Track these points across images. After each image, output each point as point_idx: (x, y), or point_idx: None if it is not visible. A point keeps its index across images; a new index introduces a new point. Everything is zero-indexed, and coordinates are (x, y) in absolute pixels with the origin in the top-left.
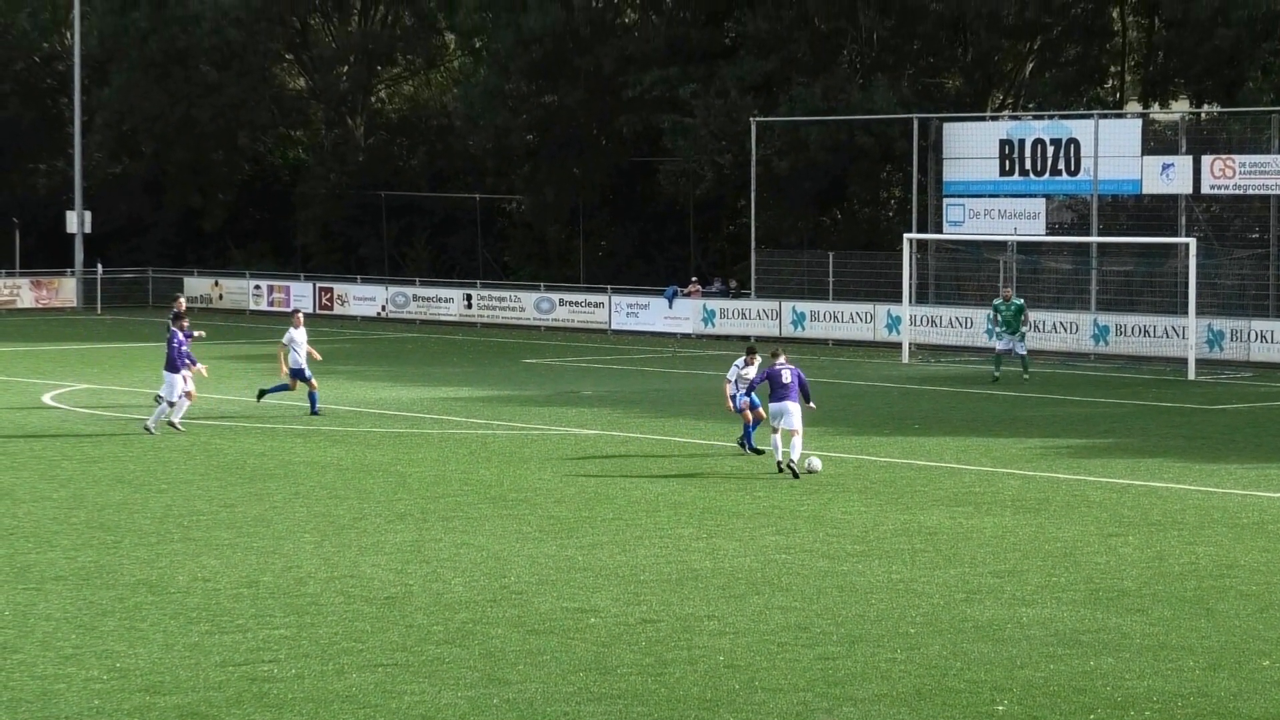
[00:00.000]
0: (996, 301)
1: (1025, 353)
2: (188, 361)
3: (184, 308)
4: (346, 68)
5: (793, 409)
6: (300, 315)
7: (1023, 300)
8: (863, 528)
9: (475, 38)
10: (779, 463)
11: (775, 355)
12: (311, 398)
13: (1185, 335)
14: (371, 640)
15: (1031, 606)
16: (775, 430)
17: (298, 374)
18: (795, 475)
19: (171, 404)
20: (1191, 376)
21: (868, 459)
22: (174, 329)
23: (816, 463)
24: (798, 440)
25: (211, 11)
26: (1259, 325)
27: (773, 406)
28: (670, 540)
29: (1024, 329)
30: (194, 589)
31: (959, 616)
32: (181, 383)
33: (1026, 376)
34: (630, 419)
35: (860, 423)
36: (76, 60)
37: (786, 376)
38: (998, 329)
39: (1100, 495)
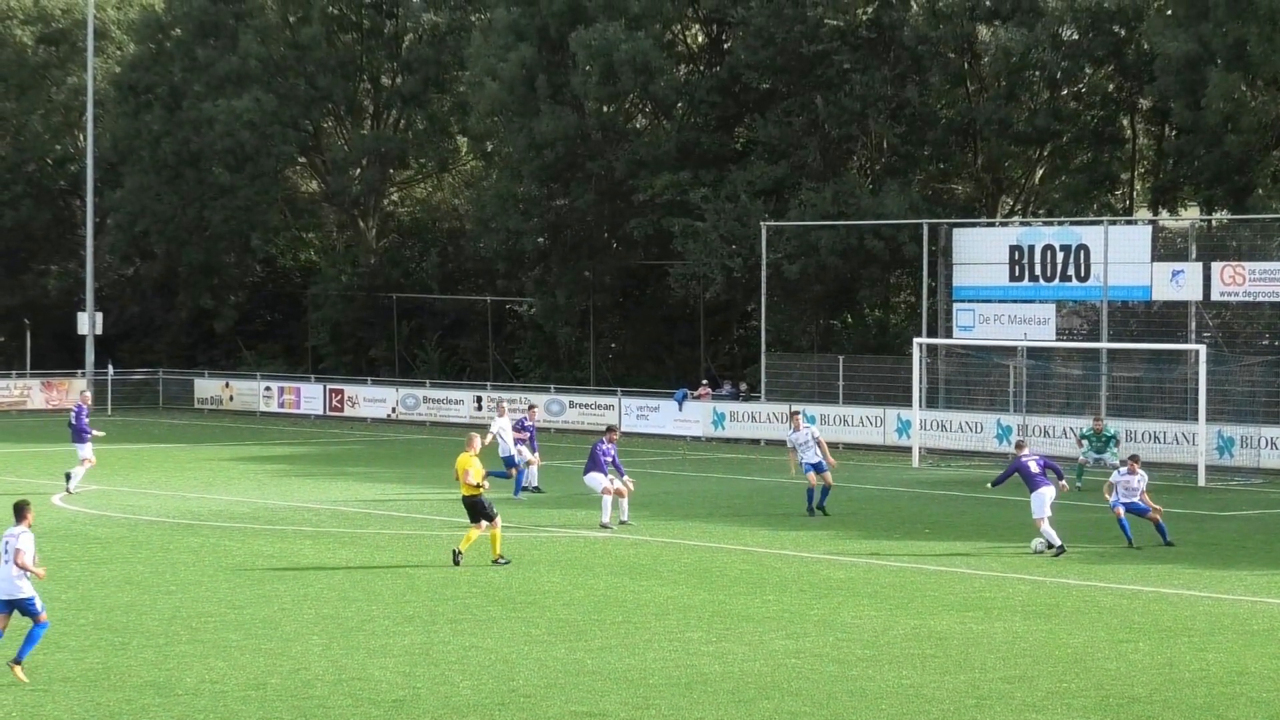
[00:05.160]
0: (1086, 431)
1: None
2: (614, 470)
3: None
4: (359, 171)
5: (1047, 494)
6: None
7: (1115, 432)
8: (873, 632)
9: (488, 141)
10: (1058, 548)
11: (1019, 447)
12: None
13: (1195, 441)
14: None
15: (1042, 713)
16: (1047, 518)
17: None
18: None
19: (606, 492)
20: (1202, 483)
21: (878, 563)
22: (603, 438)
23: (1040, 543)
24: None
25: (224, 114)
26: (1269, 432)
27: (1033, 497)
28: (679, 644)
29: (1115, 450)
30: (202, 691)
31: None
32: (605, 481)
33: (1079, 485)
34: (640, 521)
35: (870, 527)
36: (89, 162)
37: (1034, 466)
38: (1084, 450)
39: (1110, 601)
